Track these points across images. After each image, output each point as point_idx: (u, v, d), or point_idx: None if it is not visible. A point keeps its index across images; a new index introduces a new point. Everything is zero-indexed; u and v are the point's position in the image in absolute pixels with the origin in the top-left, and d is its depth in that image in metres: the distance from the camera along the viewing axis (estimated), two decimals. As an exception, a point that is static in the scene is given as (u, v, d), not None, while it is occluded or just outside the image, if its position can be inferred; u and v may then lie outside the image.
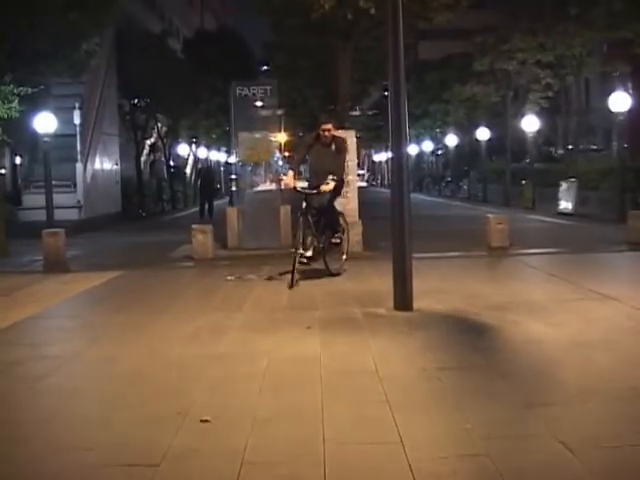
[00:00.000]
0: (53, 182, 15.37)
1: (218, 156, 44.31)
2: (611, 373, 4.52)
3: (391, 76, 6.69)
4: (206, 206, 23.84)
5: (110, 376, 4.94)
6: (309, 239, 8.60)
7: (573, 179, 20.42)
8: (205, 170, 29.25)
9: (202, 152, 39.26)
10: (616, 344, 5.22)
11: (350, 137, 12.29)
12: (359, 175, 17.71)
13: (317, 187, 8.68)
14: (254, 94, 13.64)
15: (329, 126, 8.90)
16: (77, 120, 20.59)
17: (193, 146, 38.24)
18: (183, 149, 36.03)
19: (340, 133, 12.54)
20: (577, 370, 4.62)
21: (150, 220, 25.81)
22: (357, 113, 40.73)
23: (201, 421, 3.83)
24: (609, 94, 18.20)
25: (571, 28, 20.98)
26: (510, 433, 3.57)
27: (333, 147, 8.92)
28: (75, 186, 20.74)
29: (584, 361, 4.82)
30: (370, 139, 52.41)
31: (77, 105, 20.62)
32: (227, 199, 28.73)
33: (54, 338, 6.30)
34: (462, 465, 3.20)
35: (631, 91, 21.17)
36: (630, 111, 17.78)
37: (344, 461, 3.30)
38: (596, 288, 7.46)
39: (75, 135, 20.69)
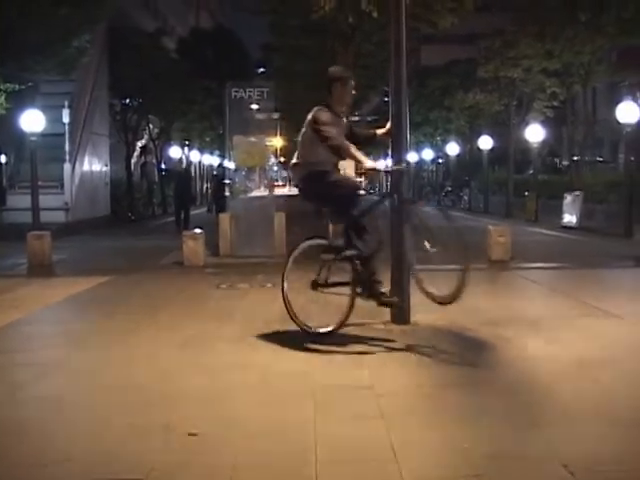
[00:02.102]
0: (39, 183, 15.07)
1: (211, 160, 43.77)
2: (613, 393, 4.43)
3: (392, 82, 6.49)
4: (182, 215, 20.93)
5: (95, 385, 4.80)
6: None
7: (578, 192, 19.95)
8: (181, 173, 25.46)
9: (194, 155, 38.56)
10: (619, 363, 5.10)
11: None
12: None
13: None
14: (250, 96, 13.50)
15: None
16: (66, 119, 20.32)
17: (186, 149, 37.62)
18: (175, 152, 35.31)
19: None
20: (578, 389, 4.50)
21: (140, 224, 25.53)
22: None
23: (189, 434, 3.72)
24: (617, 104, 17.81)
25: (581, 34, 20.46)
26: (509, 453, 3.48)
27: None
28: (62, 187, 20.49)
29: (586, 380, 4.70)
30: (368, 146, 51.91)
31: (66, 103, 20.38)
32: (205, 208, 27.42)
33: (37, 345, 6.12)
34: (459, 484, 3.11)
35: (640, 102, 20.63)
36: (639, 122, 17.23)
37: (336, 480, 3.19)
38: (599, 305, 7.28)
39: (64, 134, 20.38)
